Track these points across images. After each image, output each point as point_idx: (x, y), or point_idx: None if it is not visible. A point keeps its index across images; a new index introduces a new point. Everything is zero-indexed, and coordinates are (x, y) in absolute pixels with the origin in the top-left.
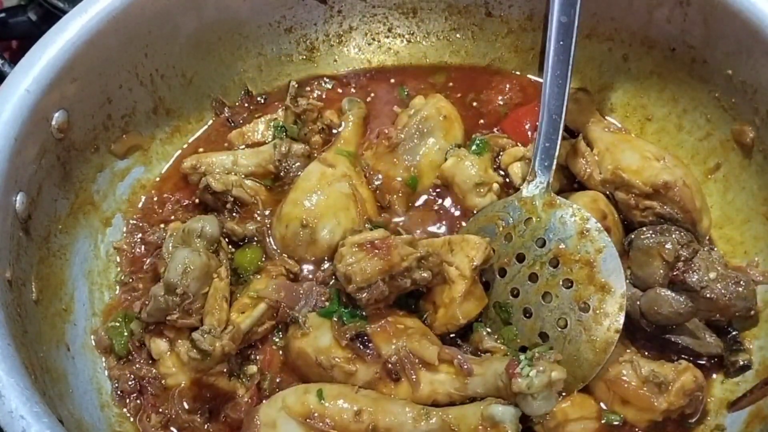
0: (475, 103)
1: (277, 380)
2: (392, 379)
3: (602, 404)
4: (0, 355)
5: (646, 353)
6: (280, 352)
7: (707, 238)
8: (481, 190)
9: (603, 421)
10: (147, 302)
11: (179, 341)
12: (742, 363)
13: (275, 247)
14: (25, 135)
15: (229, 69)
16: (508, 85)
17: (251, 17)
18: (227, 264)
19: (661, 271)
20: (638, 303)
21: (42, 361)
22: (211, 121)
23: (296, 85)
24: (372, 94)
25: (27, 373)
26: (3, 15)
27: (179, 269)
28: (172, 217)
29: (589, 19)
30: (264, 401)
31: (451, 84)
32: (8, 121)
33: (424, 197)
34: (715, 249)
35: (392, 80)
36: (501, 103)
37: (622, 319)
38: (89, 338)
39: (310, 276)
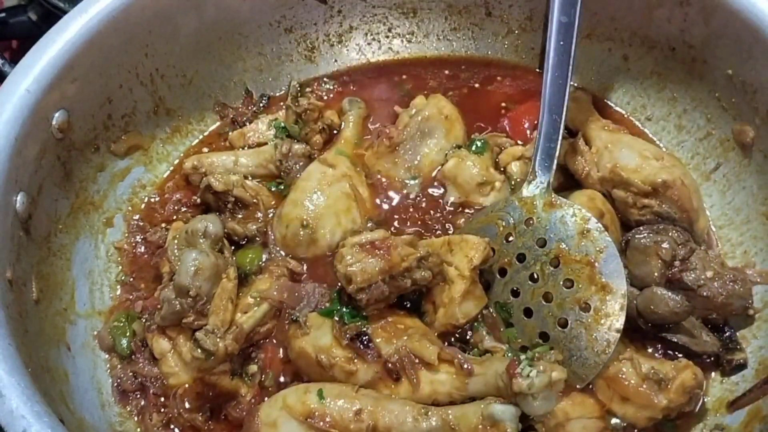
0: (474, 102)
1: (280, 379)
2: (393, 379)
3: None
4: (1, 355)
5: (647, 351)
6: (280, 350)
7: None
8: (484, 190)
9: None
10: (159, 307)
11: (181, 341)
12: (737, 362)
13: (276, 248)
14: (25, 135)
15: (229, 69)
16: (507, 84)
17: (251, 17)
18: (234, 263)
19: (658, 270)
20: (635, 302)
21: (43, 360)
22: (217, 123)
23: (297, 85)
24: (372, 94)
25: (28, 373)
26: (3, 15)
27: (190, 271)
28: (174, 218)
29: (589, 19)
30: (265, 400)
31: (451, 83)
32: (8, 121)
33: (424, 197)
34: (713, 249)
35: (393, 80)
36: (500, 101)
37: (623, 319)
38: (90, 338)
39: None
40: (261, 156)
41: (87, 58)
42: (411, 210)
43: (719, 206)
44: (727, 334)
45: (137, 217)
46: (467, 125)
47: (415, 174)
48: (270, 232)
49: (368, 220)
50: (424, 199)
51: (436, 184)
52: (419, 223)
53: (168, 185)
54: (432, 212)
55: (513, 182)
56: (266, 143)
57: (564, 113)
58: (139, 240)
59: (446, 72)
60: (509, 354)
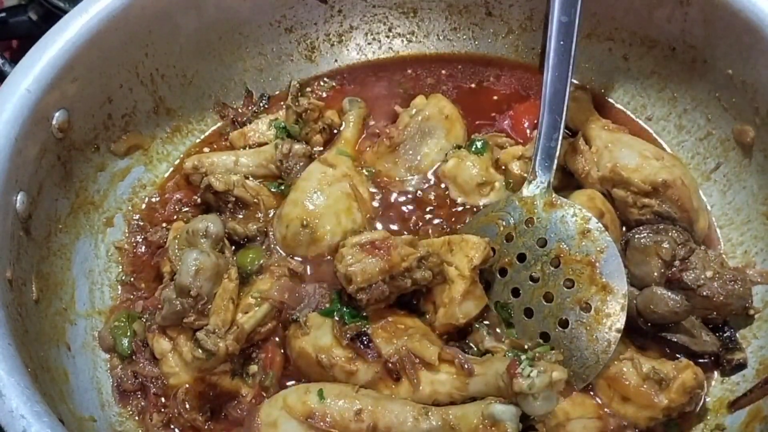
0: (474, 102)
1: (280, 379)
2: (393, 379)
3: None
4: (0, 355)
5: (647, 351)
6: (282, 351)
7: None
8: (484, 190)
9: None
10: (160, 307)
11: (182, 341)
12: (737, 362)
13: (277, 247)
14: (25, 134)
15: (229, 69)
16: (507, 83)
17: (252, 17)
18: (234, 263)
19: (658, 270)
20: (635, 302)
21: (42, 360)
22: (218, 124)
23: (298, 85)
24: (373, 94)
25: (27, 373)
26: (3, 14)
27: (191, 271)
28: (175, 217)
29: (589, 19)
30: (265, 401)
31: (450, 82)
32: (9, 121)
33: (423, 197)
34: (716, 248)
35: (393, 79)
36: (500, 101)
37: (623, 319)
38: (90, 338)
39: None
40: (261, 156)
41: (87, 58)
42: (411, 209)
43: (719, 206)
44: (727, 333)
45: (138, 216)
46: (467, 125)
47: (415, 174)
48: (270, 232)
49: (369, 219)
50: (426, 198)
51: (436, 183)
52: (419, 222)
53: (168, 185)
54: (432, 211)
55: (512, 182)
56: (267, 143)
57: (564, 113)
58: (140, 240)
59: (446, 71)
60: (509, 354)
